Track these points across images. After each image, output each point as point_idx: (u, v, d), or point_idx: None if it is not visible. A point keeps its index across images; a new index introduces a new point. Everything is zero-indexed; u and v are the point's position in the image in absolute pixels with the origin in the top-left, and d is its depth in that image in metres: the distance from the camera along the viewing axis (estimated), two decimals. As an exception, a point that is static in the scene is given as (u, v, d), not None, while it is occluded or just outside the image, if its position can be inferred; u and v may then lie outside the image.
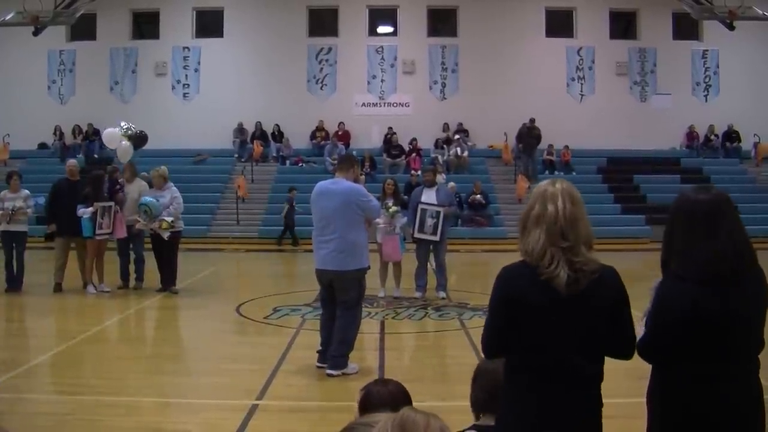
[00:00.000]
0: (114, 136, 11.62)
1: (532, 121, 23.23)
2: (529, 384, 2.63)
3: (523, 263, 2.68)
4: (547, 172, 22.99)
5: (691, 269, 2.63)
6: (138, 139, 11.92)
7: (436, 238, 10.47)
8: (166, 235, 10.88)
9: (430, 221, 10.46)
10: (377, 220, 10.59)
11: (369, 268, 6.72)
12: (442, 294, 10.71)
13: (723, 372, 2.62)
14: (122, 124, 12.26)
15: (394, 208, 10.53)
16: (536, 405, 2.60)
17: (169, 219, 10.88)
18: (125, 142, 11.65)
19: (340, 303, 6.58)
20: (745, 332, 2.66)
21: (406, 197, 11.57)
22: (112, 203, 11.02)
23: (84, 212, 10.83)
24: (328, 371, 6.48)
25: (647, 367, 2.81)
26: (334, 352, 6.50)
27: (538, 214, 2.68)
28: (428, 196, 10.69)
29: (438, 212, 10.45)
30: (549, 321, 2.62)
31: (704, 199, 2.69)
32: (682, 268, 2.66)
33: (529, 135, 23.00)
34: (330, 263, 6.47)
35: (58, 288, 11.07)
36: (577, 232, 2.63)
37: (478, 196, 20.70)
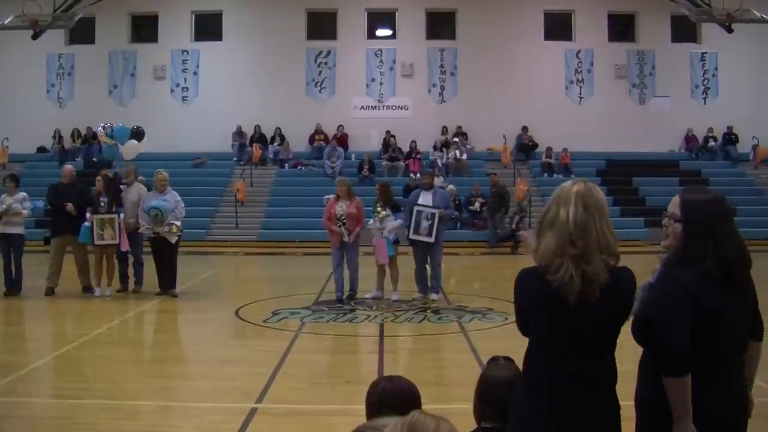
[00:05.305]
0: (135, 147, 11.63)
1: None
2: (542, 381, 2.66)
3: (536, 270, 2.65)
4: (545, 175, 23.02)
5: (711, 261, 2.62)
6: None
7: (431, 239, 10.52)
8: (174, 239, 10.92)
9: (425, 223, 10.52)
10: (370, 222, 10.71)
11: None
12: (434, 296, 10.74)
13: (708, 373, 2.63)
14: (102, 125, 12.23)
15: (383, 213, 10.65)
16: (544, 404, 2.62)
17: (178, 223, 10.96)
18: (131, 141, 11.67)
19: None
20: (731, 332, 2.68)
21: (405, 198, 11.61)
22: (115, 215, 10.96)
23: (88, 219, 10.86)
24: None
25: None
26: None
27: (551, 218, 2.63)
28: (425, 198, 10.77)
29: (433, 214, 10.51)
30: (556, 328, 2.63)
31: (710, 199, 2.73)
32: (697, 260, 2.64)
33: None
34: None
35: (50, 292, 11.02)
36: (588, 240, 2.56)
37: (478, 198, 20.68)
